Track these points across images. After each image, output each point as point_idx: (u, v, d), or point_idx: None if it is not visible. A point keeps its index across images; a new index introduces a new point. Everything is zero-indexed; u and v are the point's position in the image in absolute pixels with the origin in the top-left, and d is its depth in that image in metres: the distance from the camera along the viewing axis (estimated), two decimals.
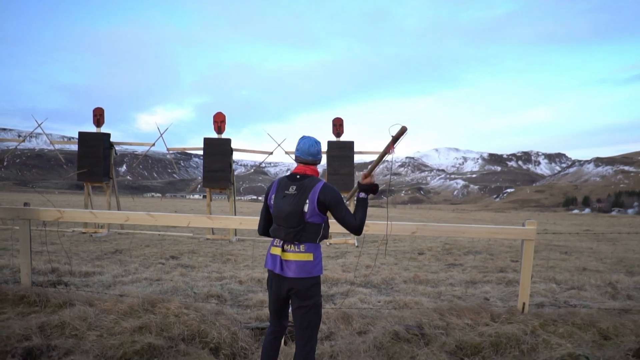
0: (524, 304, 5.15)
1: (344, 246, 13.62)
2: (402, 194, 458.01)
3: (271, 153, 15.28)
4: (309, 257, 2.96)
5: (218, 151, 14.63)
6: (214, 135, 15.01)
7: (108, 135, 15.32)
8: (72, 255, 9.89)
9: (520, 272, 5.21)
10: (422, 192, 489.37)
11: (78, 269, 7.91)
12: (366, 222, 5.36)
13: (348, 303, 6.30)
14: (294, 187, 3.01)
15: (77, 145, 15.04)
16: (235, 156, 15.77)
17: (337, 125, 14.91)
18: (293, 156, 15.07)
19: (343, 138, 15.01)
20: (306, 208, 2.92)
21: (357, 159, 16.10)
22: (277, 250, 3.05)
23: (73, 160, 15.21)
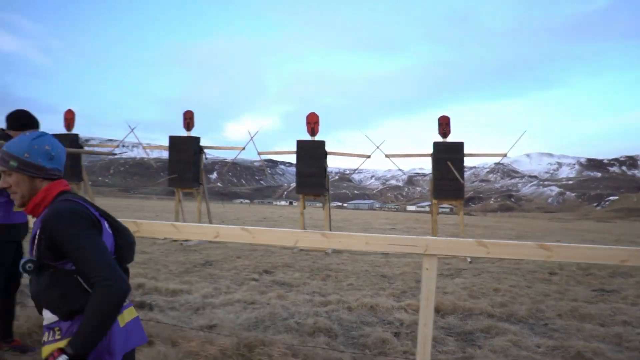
0: None
1: (455, 261, 11.85)
2: (492, 201, 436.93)
3: (369, 156, 13.93)
4: None
5: (312, 155, 13.49)
6: (308, 137, 13.93)
7: (198, 139, 14.77)
8: (160, 267, 9.16)
9: None
10: (512, 200, 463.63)
11: (165, 285, 7.02)
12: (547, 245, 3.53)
13: (497, 346, 4.73)
14: None
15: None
16: None
17: (444, 125, 13.19)
18: (394, 160, 13.49)
19: (450, 139, 13.26)
20: None
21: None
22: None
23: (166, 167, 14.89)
